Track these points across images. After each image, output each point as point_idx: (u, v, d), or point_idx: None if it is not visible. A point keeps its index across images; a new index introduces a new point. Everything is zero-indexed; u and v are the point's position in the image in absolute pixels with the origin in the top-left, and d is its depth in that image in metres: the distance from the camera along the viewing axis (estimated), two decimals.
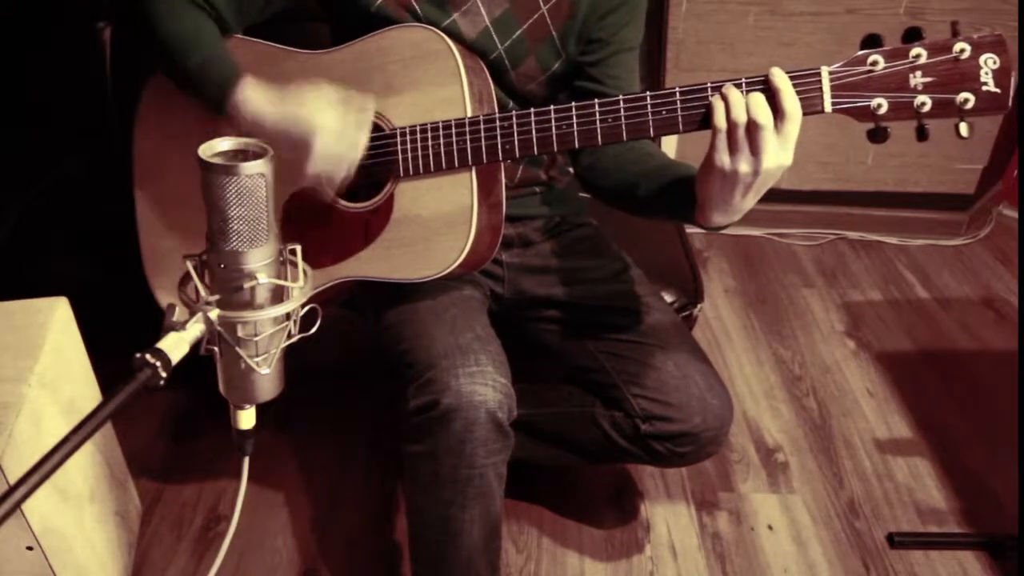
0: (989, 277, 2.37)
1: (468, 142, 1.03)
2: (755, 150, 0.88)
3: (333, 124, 0.99)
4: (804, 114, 0.89)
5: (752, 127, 0.87)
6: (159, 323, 0.65)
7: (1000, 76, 0.85)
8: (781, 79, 0.88)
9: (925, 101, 0.87)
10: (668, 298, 1.41)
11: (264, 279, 0.69)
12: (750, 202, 0.94)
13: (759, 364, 1.98)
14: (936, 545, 1.49)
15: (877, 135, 0.90)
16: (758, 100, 0.87)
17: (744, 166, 0.89)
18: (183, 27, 1.05)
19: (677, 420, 1.16)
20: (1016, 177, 2.62)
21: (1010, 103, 0.86)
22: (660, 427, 1.17)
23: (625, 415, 1.20)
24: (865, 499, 1.59)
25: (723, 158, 0.90)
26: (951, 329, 2.12)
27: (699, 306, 1.48)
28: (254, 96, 1.02)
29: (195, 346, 0.66)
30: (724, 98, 0.89)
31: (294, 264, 0.73)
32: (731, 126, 0.88)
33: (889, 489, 1.62)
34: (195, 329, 0.66)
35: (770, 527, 1.53)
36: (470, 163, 1.04)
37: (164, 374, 0.61)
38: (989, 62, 0.85)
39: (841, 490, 1.62)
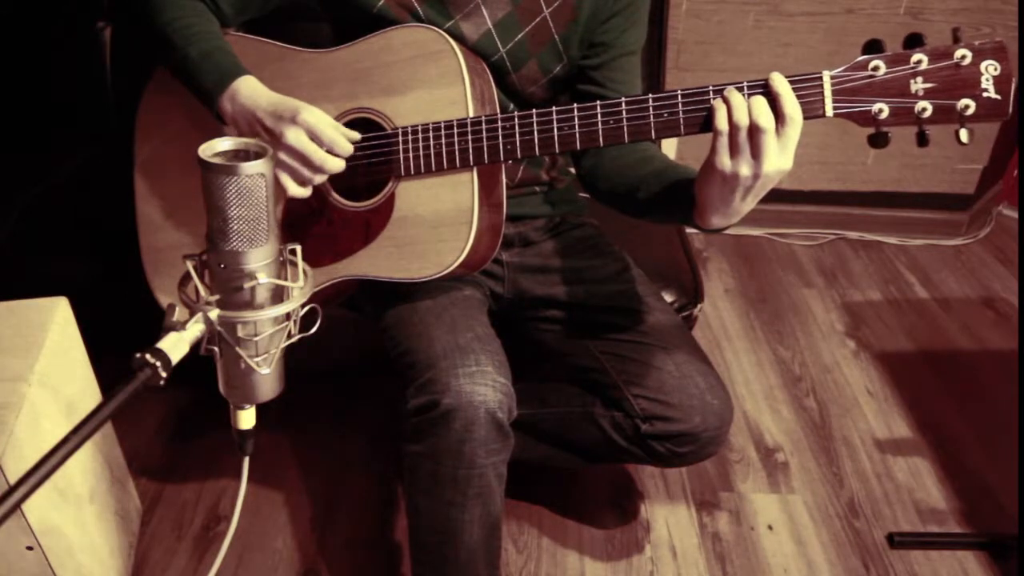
0: (989, 277, 2.37)
1: (470, 142, 1.03)
2: (756, 154, 0.88)
3: (322, 111, 1.02)
4: (805, 118, 0.89)
5: (753, 130, 0.88)
6: (159, 323, 0.65)
7: (1001, 83, 0.85)
8: (782, 84, 0.88)
9: (926, 107, 0.87)
10: (668, 298, 1.41)
11: (264, 279, 0.69)
12: (749, 205, 0.94)
13: (759, 364, 1.98)
14: (936, 545, 1.49)
15: (878, 140, 0.90)
16: (760, 104, 0.87)
17: (744, 169, 0.89)
18: (184, 14, 1.06)
19: (677, 420, 1.16)
20: (1016, 177, 2.62)
21: (1010, 110, 0.86)
22: (660, 427, 1.17)
23: (625, 415, 1.20)
24: (865, 499, 1.60)
25: (724, 161, 0.90)
26: (951, 329, 2.12)
27: (699, 306, 1.48)
28: (256, 85, 1.04)
29: (195, 346, 0.66)
30: (726, 101, 0.89)
31: (294, 264, 0.73)
32: (732, 129, 0.89)
33: (889, 489, 1.62)
34: (195, 329, 0.66)
35: (770, 527, 1.53)
36: (471, 163, 1.04)
37: (164, 374, 0.61)
38: (990, 68, 0.85)
39: (841, 490, 1.62)
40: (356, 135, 1.05)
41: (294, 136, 0.99)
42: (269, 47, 1.13)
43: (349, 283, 1.13)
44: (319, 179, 1.03)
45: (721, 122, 0.89)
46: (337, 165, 1.02)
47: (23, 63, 1.72)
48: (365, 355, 1.42)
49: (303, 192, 1.04)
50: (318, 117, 1.00)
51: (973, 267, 2.42)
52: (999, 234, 2.60)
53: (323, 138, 1.00)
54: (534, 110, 1.00)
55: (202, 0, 1.10)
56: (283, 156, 1.01)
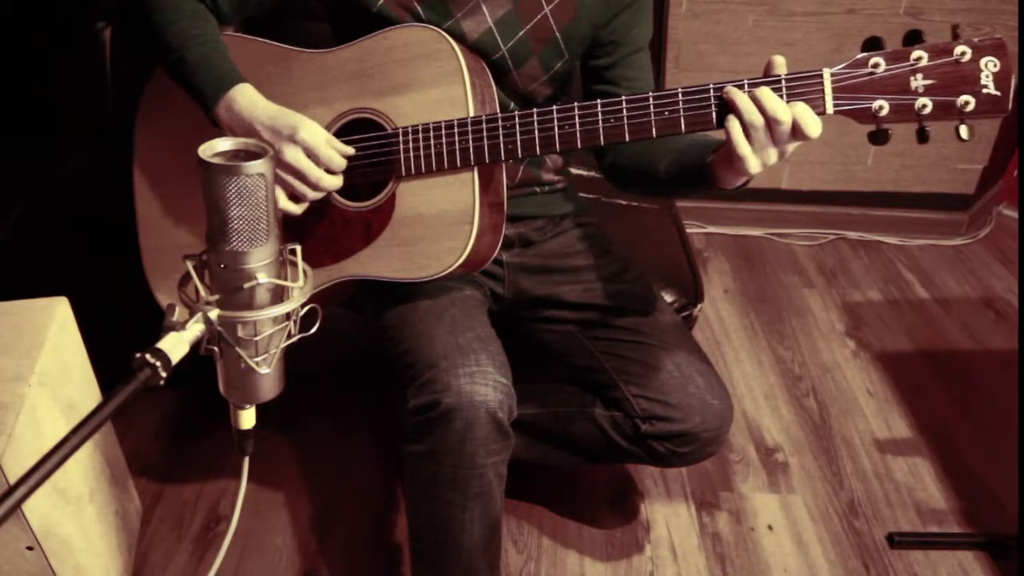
0: (989, 277, 2.37)
1: (471, 142, 1.03)
2: (779, 141, 0.90)
3: (320, 128, 1.03)
4: None
5: (772, 124, 0.88)
6: (159, 323, 0.65)
7: (1000, 79, 0.85)
8: (770, 99, 0.88)
9: (926, 103, 0.88)
10: (668, 298, 1.41)
11: (264, 279, 0.69)
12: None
13: (759, 364, 1.98)
14: (936, 545, 1.49)
15: (878, 137, 0.91)
16: (769, 97, 0.88)
17: (772, 157, 0.91)
18: (182, 15, 1.06)
19: (677, 420, 1.16)
20: (1016, 177, 2.61)
21: (1010, 106, 0.86)
22: (660, 427, 1.17)
23: (625, 415, 1.20)
24: (865, 499, 1.59)
25: (753, 165, 0.91)
26: (951, 329, 2.12)
27: (699, 306, 1.48)
28: (253, 94, 1.04)
29: (195, 346, 0.66)
30: (735, 106, 0.89)
31: (294, 264, 0.73)
32: (751, 130, 0.89)
33: (889, 489, 1.62)
34: (195, 329, 0.66)
35: (770, 527, 1.53)
36: (472, 163, 1.04)
37: (164, 374, 0.61)
38: (989, 65, 0.85)
39: (841, 490, 1.62)
40: (350, 150, 1.06)
41: (292, 155, 1.01)
42: (269, 47, 1.13)
43: (349, 283, 1.13)
44: (313, 195, 1.04)
45: (737, 134, 0.89)
46: (333, 183, 1.05)
47: (23, 63, 1.72)
48: (365, 355, 1.42)
49: (296, 208, 1.06)
50: (316, 135, 1.01)
51: (973, 267, 2.42)
52: (999, 234, 2.59)
53: (320, 157, 1.02)
54: (534, 109, 1.00)
55: (201, 0, 1.10)
56: (279, 172, 1.02)
